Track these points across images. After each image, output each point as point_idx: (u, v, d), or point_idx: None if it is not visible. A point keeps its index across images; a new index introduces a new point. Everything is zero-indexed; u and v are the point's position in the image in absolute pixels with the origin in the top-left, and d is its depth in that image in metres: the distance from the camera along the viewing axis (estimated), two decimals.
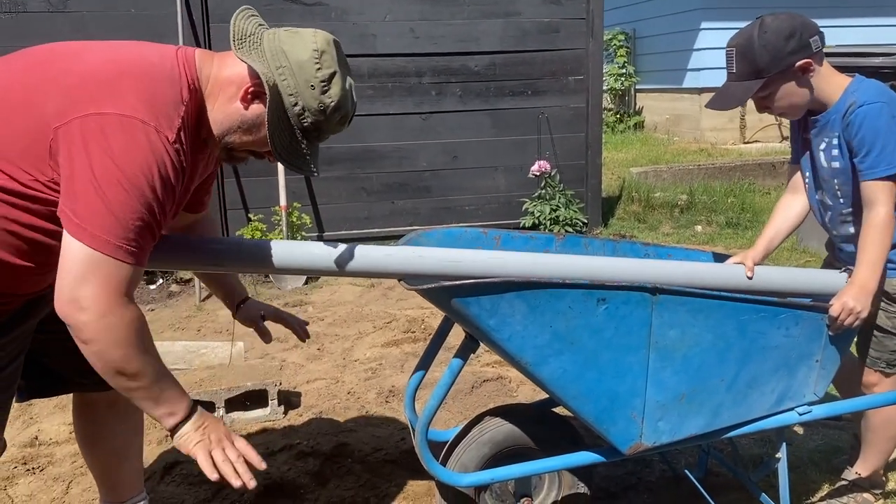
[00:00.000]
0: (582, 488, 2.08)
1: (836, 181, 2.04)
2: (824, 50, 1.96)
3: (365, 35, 5.29)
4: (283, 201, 4.92)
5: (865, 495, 2.31)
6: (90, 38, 1.71)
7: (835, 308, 1.91)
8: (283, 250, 1.74)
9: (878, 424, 2.19)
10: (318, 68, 1.53)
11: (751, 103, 2.03)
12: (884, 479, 2.38)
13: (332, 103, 1.56)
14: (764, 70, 1.90)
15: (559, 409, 2.15)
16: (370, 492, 2.50)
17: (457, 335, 1.95)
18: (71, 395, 2.03)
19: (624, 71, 10.92)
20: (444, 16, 5.41)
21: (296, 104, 1.54)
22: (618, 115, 11.11)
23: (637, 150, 9.33)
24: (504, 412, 2.08)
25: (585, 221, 5.76)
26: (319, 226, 5.43)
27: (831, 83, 1.98)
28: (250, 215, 5.07)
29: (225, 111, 1.57)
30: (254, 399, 3.02)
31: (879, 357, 2.10)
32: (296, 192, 5.24)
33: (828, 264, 2.30)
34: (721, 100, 1.99)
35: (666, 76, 10.26)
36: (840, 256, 2.17)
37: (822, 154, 2.05)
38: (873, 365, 2.11)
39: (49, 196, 1.42)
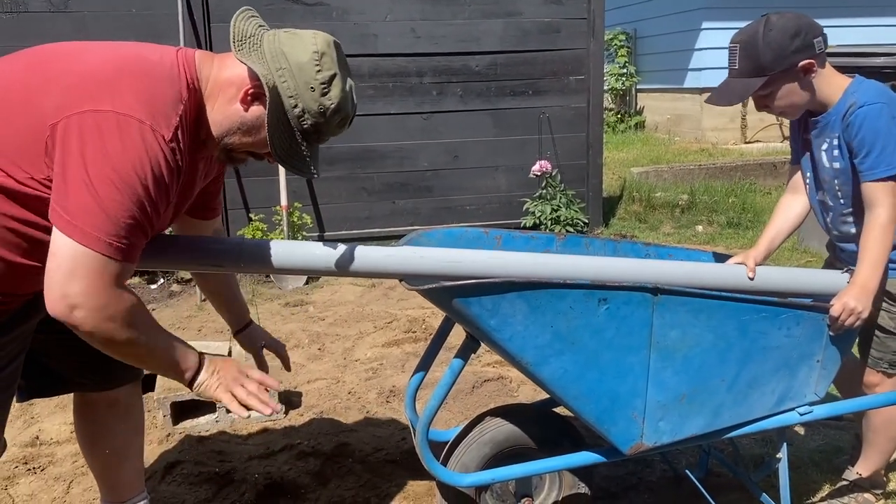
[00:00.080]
0: (583, 488, 2.08)
1: (836, 182, 2.04)
2: (826, 50, 1.96)
3: (366, 35, 5.29)
4: (283, 201, 4.92)
5: (866, 495, 2.31)
6: (91, 38, 1.72)
7: (836, 308, 1.91)
8: (284, 251, 1.74)
9: (879, 425, 2.19)
10: (318, 70, 1.53)
11: (750, 102, 2.03)
12: (885, 479, 2.38)
13: (332, 105, 1.56)
14: (766, 68, 1.90)
15: (560, 410, 2.15)
16: (371, 492, 2.50)
17: (458, 335, 1.95)
18: (72, 394, 2.03)
19: (625, 71, 10.91)
20: (445, 16, 5.41)
21: (295, 106, 1.54)
22: (619, 115, 11.10)
23: (638, 150, 9.32)
24: (505, 412, 2.08)
25: (586, 221, 5.76)
26: (320, 225, 5.43)
27: (832, 84, 1.98)
28: (251, 215, 5.08)
29: (224, 112, 1.57)
30: None
31: (882, 357, 2.10)
32: (297, 192, 5.24)
33: (829, 264, 2.30)
34: (721, 95, 1.99)
35: (667, 76, 10.25)
36: (841, 256, 2.17)
37: (823, 155, 2.05)
38: (875, 365, 2.11)
39: (44, 194, 1.42)
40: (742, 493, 2.36)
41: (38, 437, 2.92)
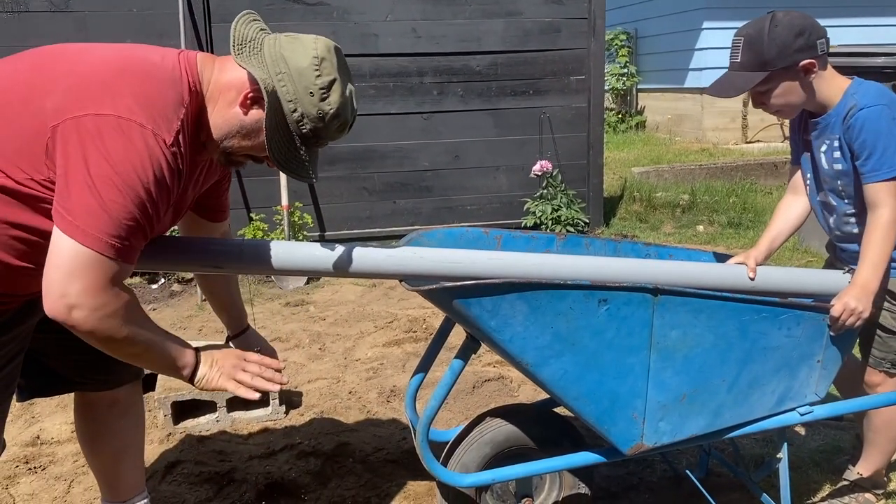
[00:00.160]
0: (583, 488, 2.08)
1: (839, 182, 2.04)
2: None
3: (367, 35, 5.29)
4: (284, 201, 4.92)
5: (867, 495, 2.31)
6: (92, 38, 1.72)
7: (836, 308, 1.91)
8: (285, 251, 1.74)
9: (880, 425, 2.19)
10: (318, 75, 1.53)
11: (751, 102, 2.03)
12: (886, 479, 2.38)
13: (331, 111, 1.56)
14: (769, 63, 1.90)
15: (560, 410, 2.15)
16: (371, 491, 2.50)
17: (458, 335, 1.95)
18: (72, 394, 2.04)
19: (625, 71, 10.91)
20: (445, 15, 5.41)
21: (295, 111, 1.54)
22: (619, 115, 11.11)
23: (639, 149, 9.32)
24: (505, 412, 2.08)
25: (587, 221, 5.76)
26: (321, 225, 5.44)
27: (832, 85, 1.98)
28: (252, 215, 5.08)
29: (224, 116, 1.57)
30: None
31: (884, 357, 2.10)
32: (297, 192, 5.24)
33: (829, 265, 2.30)
34: (721, 87, 1.99)
35: (668, 76, 10.25)
36: (842, 257, 2.17)
37: (823, 156, 2.05)
38: (878, 365, 2.11)
39: (43, 194, 1.42)
40: (742, 494, 2.36)
41: (38, 437, 2.92)
